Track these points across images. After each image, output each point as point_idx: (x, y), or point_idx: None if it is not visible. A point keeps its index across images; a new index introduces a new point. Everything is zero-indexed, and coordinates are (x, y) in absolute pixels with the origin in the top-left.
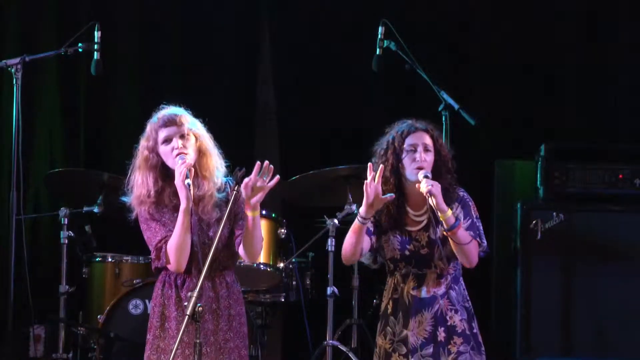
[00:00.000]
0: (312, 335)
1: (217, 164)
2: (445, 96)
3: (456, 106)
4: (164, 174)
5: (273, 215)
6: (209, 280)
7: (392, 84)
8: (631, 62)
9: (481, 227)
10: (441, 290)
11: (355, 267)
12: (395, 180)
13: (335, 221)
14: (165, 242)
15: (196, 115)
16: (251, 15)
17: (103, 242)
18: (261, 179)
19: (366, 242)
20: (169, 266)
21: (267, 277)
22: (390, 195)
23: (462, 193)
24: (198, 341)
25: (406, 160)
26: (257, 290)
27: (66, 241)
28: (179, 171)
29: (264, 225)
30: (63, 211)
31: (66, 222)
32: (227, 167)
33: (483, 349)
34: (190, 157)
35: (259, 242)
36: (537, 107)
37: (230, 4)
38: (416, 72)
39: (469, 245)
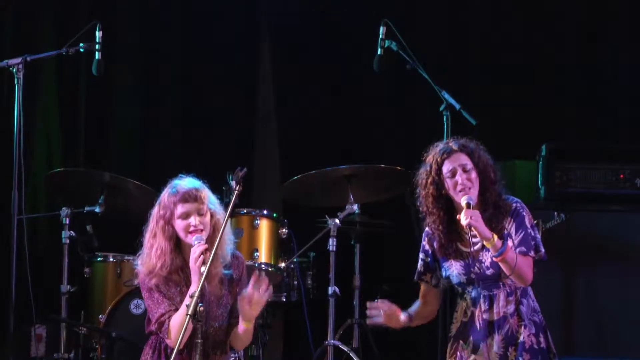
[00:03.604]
0: (313, 334)
1: (228, 242)
2: (446, 96)
3: (457, 106)
4: (177, 245)
5: (274, 215)
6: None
7: (393, 84)
8: (631, 62)
9: (537, 236)
10: (511, 308)
11: (357, 267)
12: (440, 210)
13: (337, 221)
14: (169, 318)
15: (196, 115)
16: (251, 15)
17: (104, 242)
18: (257, 291)
19: (432, 298)
20: (167, 341)
21: (269, 277)
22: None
23: (514, 204)
24: (199, 341)
25: (450, 187)
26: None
27: (68, 241)
28: (195, 255)
29: (265, 225)
30: (64, 211)
31: (67, 222)
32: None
33: None
34: (206, 235)
35: (245, 344)
36: (537, 107)
37: (230, 4)
38: (417, 72)
39: (519, 266)
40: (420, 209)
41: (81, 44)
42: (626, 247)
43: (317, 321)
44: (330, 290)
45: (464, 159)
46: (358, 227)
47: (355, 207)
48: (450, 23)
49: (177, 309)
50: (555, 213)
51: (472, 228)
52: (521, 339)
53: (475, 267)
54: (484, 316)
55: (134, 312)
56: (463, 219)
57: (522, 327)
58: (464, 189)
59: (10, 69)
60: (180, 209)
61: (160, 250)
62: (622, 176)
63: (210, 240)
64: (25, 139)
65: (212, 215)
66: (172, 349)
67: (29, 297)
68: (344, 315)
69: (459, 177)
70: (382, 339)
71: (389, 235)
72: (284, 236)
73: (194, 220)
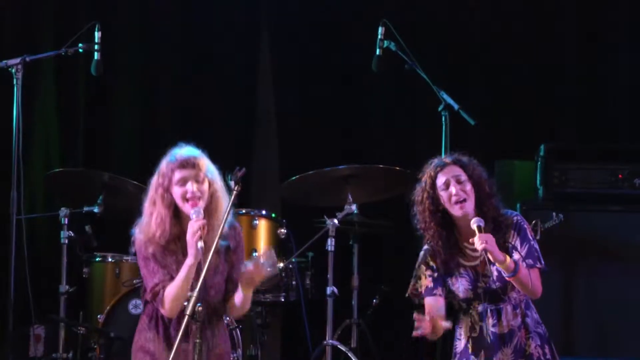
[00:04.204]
0: (312, 335)
1: (226, 213)
2: (445, 96)
3: (456, 106)
4: (175, 214)
5: (273, 215)
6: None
7: (391, 84)
8: (631, 62)
9: (538, 247)
10: (518, 321)
11: (355, 267)
12: (437, 225)
13: (335, 221)
14: (163, 288)
15: (196, 115)
16: (251, 15)
17: (103, 242)
18: (262, 266)
19: (442, 310)
20: (162, 311)
21: (267, 277)
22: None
23: (514, 217)
24: (198, 341)
25: (445, 200)
26: (257, 290)
27: (66, 241)
28: (193, 230)
29: (264, 225)
30: (63, 211)
31: (66, 222)
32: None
33: None
34: (203, 204)
35: (241, 311)
36: (537, 107)
37: (230, 4)
38: (416, 72)
39: (532, 281)
40: (418, 226)
41: (80, 44)
42: (625, 247)
43: (316, 321)
44: (329, 290)
45: (457, 171)
46: (356, 227)
47: (353, 207)
48: (450, 23)
49: (172, 278)
50: (554, 213)
51: (488, 253)
52: (529, 351)
53: (481, 282)
54: (493, 330)
55: (133, 312)
56: (477, 243)
57: (529, 339)
58: (458, 200)
59: (9, 69)
60: (177, 174)
61: (160, 217)
62: (620, 176)
63: (207, 211)
64: (24, 139)
65: (210, 184)
66: (169, 318)
67: (28, 297)
68: (343, 315)
69: (453, 188)
70: (380, 339)
71: (388, 236)
72: (283, 236)
73: (191, 186)
